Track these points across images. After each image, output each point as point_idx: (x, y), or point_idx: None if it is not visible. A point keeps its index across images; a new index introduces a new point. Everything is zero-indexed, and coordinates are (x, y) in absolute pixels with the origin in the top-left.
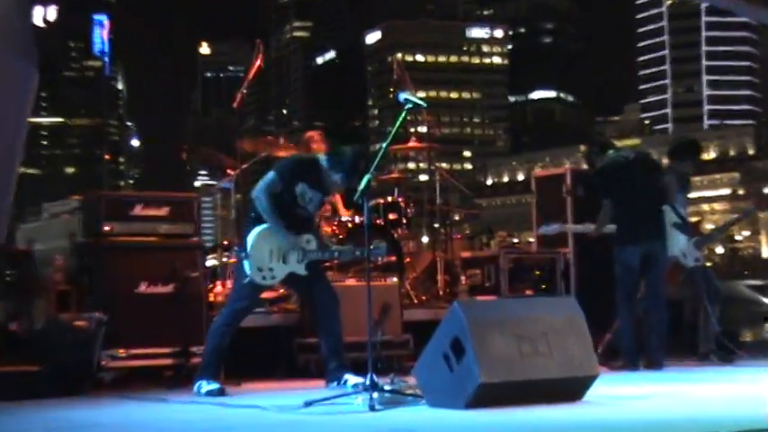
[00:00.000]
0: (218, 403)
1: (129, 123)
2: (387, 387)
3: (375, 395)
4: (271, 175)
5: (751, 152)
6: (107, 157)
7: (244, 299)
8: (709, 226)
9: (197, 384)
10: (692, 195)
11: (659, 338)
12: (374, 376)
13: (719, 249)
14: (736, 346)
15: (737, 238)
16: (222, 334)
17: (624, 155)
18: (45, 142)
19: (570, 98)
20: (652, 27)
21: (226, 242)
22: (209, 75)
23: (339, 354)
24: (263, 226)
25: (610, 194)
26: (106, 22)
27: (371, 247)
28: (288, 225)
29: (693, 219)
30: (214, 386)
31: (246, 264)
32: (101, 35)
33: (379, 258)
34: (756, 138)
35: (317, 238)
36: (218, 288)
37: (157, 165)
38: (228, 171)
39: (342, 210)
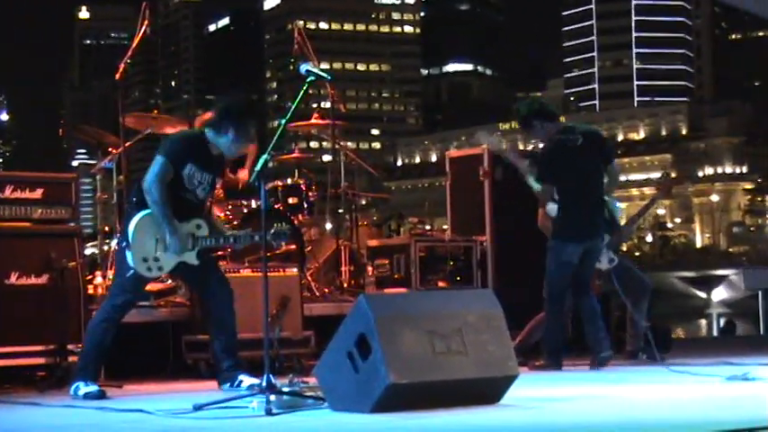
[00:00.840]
0: (97, 407)
1: None
2: (285, 389)
3: (272, 398)
4: (160, 160)
5: (684, 132)
6: None
7: (126, 292)
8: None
9: (73, 386)
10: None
11: (598, 331)
12: (271, 377)
13: (648, 238)
14: (668, 343)
15: (669, 225)
16: (103, 331)
17: (572, 137)
18: None
19: (489, 72)
20: None
21: (107, 228)
22: (88, 42)
23: (233, 352)
24: (146, 212)
25: (554, 182)
26: None
27: (272, 231)
28: (174, 212)
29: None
30: (93, 388)
31: (129, 255)
32: None
33: (282, 244)
34: (690, 116)
35: (210, 223)
36: (99, 279)
37: (30, 142)
38: (110, 149)
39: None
